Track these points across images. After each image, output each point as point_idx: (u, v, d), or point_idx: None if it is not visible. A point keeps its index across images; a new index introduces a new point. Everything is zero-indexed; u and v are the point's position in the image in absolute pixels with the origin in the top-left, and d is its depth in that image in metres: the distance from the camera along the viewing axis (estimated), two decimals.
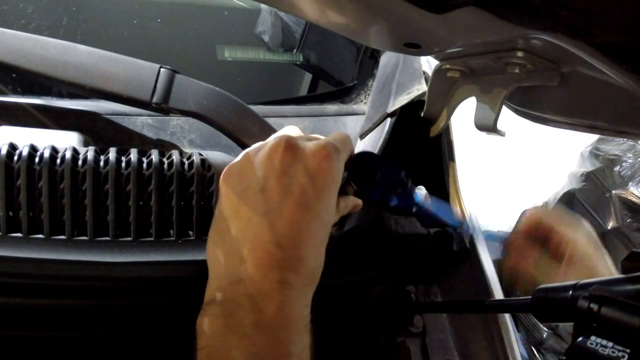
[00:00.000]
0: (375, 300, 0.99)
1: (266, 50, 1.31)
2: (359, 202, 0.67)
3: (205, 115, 0.75)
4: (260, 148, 0.56)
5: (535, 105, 0.74)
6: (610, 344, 0.52)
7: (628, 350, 0.50)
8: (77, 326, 0.74)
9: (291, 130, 0.65)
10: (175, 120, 0.86)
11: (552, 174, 3.52)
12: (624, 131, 0.65)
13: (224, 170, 0.57)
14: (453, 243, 0.89)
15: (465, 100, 0.80)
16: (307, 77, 1.34)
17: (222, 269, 0.54)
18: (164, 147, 0.83)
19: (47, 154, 0.64)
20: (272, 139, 0.56)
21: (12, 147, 0.65)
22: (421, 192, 0.98)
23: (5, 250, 0.62)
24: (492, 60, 0.64)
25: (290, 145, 0.54)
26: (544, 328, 2.47)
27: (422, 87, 0.88)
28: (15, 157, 0.64)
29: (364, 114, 1.00)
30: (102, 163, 0.66)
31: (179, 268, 0.67)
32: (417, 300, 1.04)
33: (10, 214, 0.64)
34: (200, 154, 0.71)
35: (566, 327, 2.35)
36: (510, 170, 4.31)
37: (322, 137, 0.62)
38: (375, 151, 0.83)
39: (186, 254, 0.68)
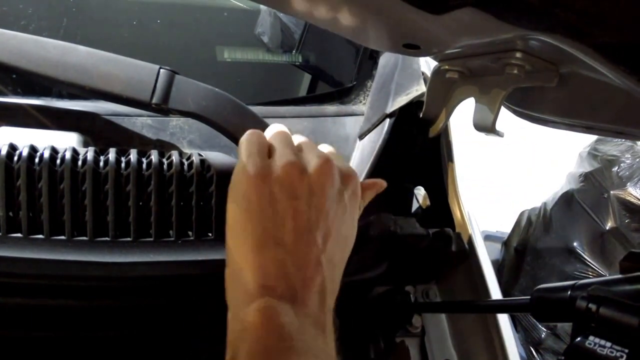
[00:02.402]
0: (374, 300, 0.99)
1: (265, 51, 1.31)
2: (381, 182, 0.67)
3: (205, 116, 0.75)
4: (297, 157, 0.54)
5: (534, 105, 0.74)
6: (608, 344, 0.52)
7: (626, 350, 0.51)
8: (77, 326, 0.74)
9: (279, 128, 0.62)
10: (175, 121, 0.86)
11: (550, 174, 3.52)
12: (622, 132, 0.65)
13: (252, 172, 0.52)
14: (452, 243, 0.89)
15: (464, 101, 0.80)
16: (307, 77, 1.34)
17: (272, 270, 0.51)
18: (164, 147, 0.83)
19: (47, 154, 0.64)
20: (318, 156, 0.55)
21: (12, 148, 0.65)
22: (420, 192, 0.99)
23: (5, 251, 0.62)
24: (490, 61, 0.64)
25: (336, 169, 0.55)
26: (543, 328, 2.47)
27: (421, 88, 0.88)
28: (15, 158, 0.64)
29: (363, 115, 1.00)
30: (101, 163, 0.67)
31: (179, 268, 0.67)
32: (416, 300, 1.04)
33: (10, 214, 0.64)
34: (200, 155, 0.71)
35: (565, 327, 2.36)
36: (508, 170, 4.31)
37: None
38: (374, 152, 0.84)
39: (186, 254, 0.68)
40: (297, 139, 0.59)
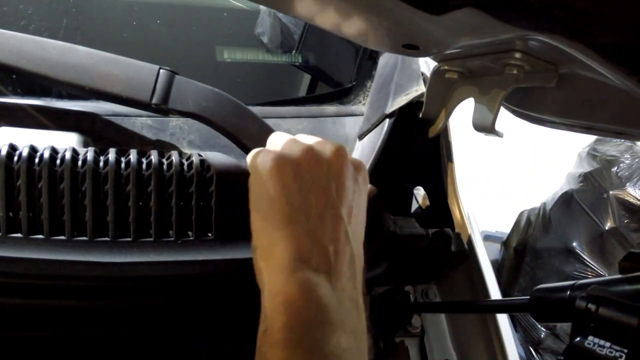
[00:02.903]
0: (374, 300, 0.99)
1: (265, 51, 1.31)
2: (372, 188, 0.70)
3: (205, 116, 0.75)
4: (314, 149, 0.57)
5: (533, 106, 0.74)
6: (608, 344, 0.52)
7: (626, 350, 0.51)
8: (77, 326, 0.74)
9: (282, 133, 0.66)
10: (175, 121, 0.86)
11: (549, 174, 3.52)
12: (622, 132, 0.65)
13: (273, 163, 0.55)
14: (451, 243, 0.90)
15: (464, 101, 0.80)
16: (306, 78, 1.34)
17: (306, 242, 0.52)
18: (164, 147, 0.83)
19: (47, 154, 0.64)
20: (332, 147, 0.58)
21: (12, 148, 0.65)
22: (419, 192, 0.99)
23: (5, 251, 0.62)
24: (490, 61, 0.64)
25: (347, 156, 0.59)
26: (542, 328, 2.47)
27: (420, 88, 0.88)
28: (15, 158, 0.64)
29: (363, 115, 1.00)
30: (101, 164, 0.67)
31: (179, 268, 0.67)
32: (415, 300, 1.04)
33: (10, 214, 0.64)
34: (200, 155, 0.71)
35: (564, 327, 2.36)
36: (508, 171, 4.31)
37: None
38: (374, 152, 0.84)
39: (185, 254, 0.68)
40: (304, 138, 0.62)
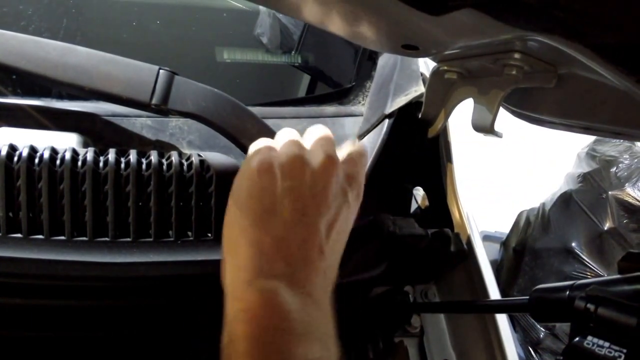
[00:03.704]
0: (373, 300, 0.99)
1: (265, 51, 1.31)
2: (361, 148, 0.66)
3: (204, 117, 0.75)
4: (302, 151, 0.56)
5: (532, 106, 0.74)
6: (607, 344, 0.52)
7: (625, 350, 0.51)
8: (77, 326, 0.74)
9: (288, 130, 0.64)
10: (175, 122, 0.86)
11: (549, 174, 3.53)
12: (621, 132, 0.65)
13: (259, 160, 0.54)
14: (451, 244, 0.90)
15: (463, 102, 0.81)
16: (306, 78, 1.34)
17: (271, 246, 0.51)
18: (163, 148, 0.83)
19: (46, 155, 0.65)
20: (321, 151, 0.56)
21: (12, 148, 0.65)
22: (419, 193, 0.99)
23: (5, 251, 0.63)
24: (489, 62, 0.65)
25: (338, 165, 0.56)
26: (541, 328, 2.47)
27: (419, 89, 0.88)
28: (15, 158, 0.64)
29: (362, 115, 1.00)
30: (101, 164, 0.67)
31: (178, 268, 0.67)
32: (414, 300, 1.04)
33: (10, 214, 0.64)
34: (199, 155, 0.71)
35: (563, 327, 2.36)
36: (507, 171, 4.31)
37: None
38: (373, 152, 0.84)
39: (185, 255, 0.68)
40: (312, 135, 0.59)
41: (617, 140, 2.45)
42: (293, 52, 1.30)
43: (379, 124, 0.89)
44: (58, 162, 0.65)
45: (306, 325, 0.48)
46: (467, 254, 0.98)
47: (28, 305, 0.69)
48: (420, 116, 0.88)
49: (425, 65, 1.00)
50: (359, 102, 1.06)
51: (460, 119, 0.93)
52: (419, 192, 1.01)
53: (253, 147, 0.58)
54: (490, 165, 4.28)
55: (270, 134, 0.78)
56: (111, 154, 0.67)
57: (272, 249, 0.50)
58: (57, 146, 0.67)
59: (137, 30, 1.25)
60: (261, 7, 1.33)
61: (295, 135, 0.59)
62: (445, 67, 0.75)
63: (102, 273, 0.65)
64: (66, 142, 0.73)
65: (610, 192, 2.38)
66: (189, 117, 0.76)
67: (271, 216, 0.52)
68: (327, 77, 1.32)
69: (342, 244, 0.57)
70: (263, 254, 0.50)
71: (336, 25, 0.59)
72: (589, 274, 2.37)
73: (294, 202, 0.52)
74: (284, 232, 0.51)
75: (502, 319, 0.95)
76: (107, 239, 0.66)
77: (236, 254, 0.52)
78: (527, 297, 0.68)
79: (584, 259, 2.40)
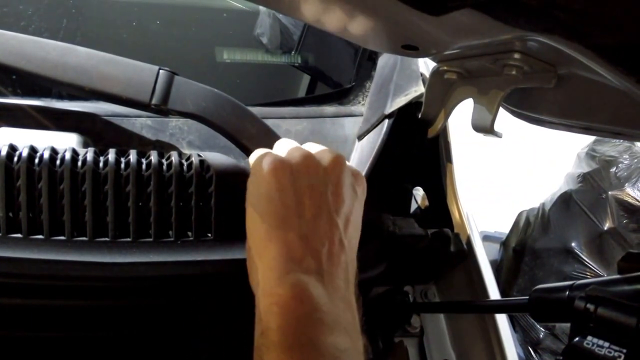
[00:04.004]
0: (373, 300, 0.99)
1: (265, 52, 1.31)
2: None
3: (204, 117, 0.75)
4: (311, 154, 0.59)
5: (532, 106, 0.74)
6: (606, 344, 0.52)
7: (624, 350, 0.51)
8: (77, 326, 0.74)
9: (286, 140, 0.68)
10: (174, 122, 0.86)
11: (548, 175, 3.53)
12: (620, 132, 0.65)
13: (274, 164, 0.56)
14: (450, 244, 0.90)
15: (463, 102, 0.81)
16: (306, 78, 1.34)
17: (296, 249, 0.53)
18: (163, 148, 0.83)
19: (46, 155, 0.65)
20: (329, 152, 0.60)
21: (12, 149, 0.65)
22: (419, 193, 0.99)
23: (5, 251, 0.63)
24: (489, 62, 0.65)
25: (345, 163, 0.60)
26: (541, 328, 2.47)
27: (419, 89, 0.88)
28: (15, 158, 0.64)
29: (362, 116, 1.00)
30: (101, 164, 0.67)
31: (178, 268, 0.67)
32: (414, 300, 1.04)
33: (10, 214, 0.64)
34: (199, 155, 0.71)
35: (563, 327, 2.36)
36: (507, 171, 4.31)
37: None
38: (373, 152, 0.84)
39: (185, 255, 0.68)
40: (309, 146, 0.63)
41: (617, 141, 2.45)
42: (293, 52, 1.30)
43: (378, 124, 0.89)
44: (58, 162, 0.65)
45: (335, 316, 0.50)
46: (467, 254, 0.98)
47: (28, 305, 0.69)
48: (420, 116, 0.88)
49: (425, 65, 1.00)
50: (359, 102, 1.06)
51: (460, 119, 0.93)
52: (418, 192, 1.01)
53: (255, 155, 0.60)
54: (490, 165, 4.28)
55: (271, 134, 0.78)
56: (111, 154, 0.67)
57: (298, 246, 0.52)
58: (57, 146, 0.67)
59: (137, 30, 1.25)
60: (261, 7, 1.33)
61: (296, 143, 0.62)
62: (445, 67, 0.75)
63: (102, 273, 0.65)
64: (66, 142, 0.73)
65: (610, 192, 2.38)
66: (188, 117, 0.76)
67: (293, 216, 0.54)
68: (327, 77, 1.32)
69: (357, 238, 0.60)
70: (290, 252, 0.52)
71: (336, 26, 0.59)
72: (588, 274, 2.37)
73: (313, 200, 0.55)
74: (307, 230, 0.53)
75: (502, 319, 0.95)
76: (107, 239, 0.66)
77: (264, 256, 0.53)
78: (527, 297, 0.68)
79: (583, 259, 2.40)
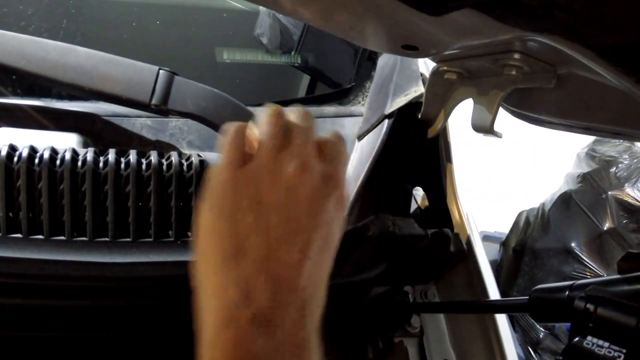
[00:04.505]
0: (373, 300, 0.99)
1: (264, 52, 1.31)
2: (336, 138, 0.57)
3: (204, 117, 0.75)
4: (276, 163, 0.49)
5: (532, 107, 0.74)
6: (606, 344, 0.52)
7: (624, 350, 0.51)
8: (77, 326, 0.74)
9: (271, 116, 0.56)
10: (174, 122, 0.86)
11: (548, 175, 3.53)
12: (620, 132, 0.65)
13: (223, 177, 0.49)
14: (450, 244, 0.90)
15: (463, 102, 0.81)
16: (305, 78, 1.34)
17: (236, 298, 0.46)
18: (163, 148, 0.83)
19: (46, 155, 0.65)
20: (298, 158, 0.49)
21: (12, 149, 0.65)
22: (418, 193, 0.99)
23: (5, 251, 0.63)
24: (489, 62, 0.65)
25: (316, 174, 0.49)
26: (541, 328, 2.47)
27: (419, 89, 0.89)
28: (15, 159, 0.64)
29: (362, 116, 1.00)
30: (101, 164, 0.67)
31: (178, 268, 0.67)
32: (414, 300, 1.04)
33: (10, 214, 0.64)
34: (199, 155, 0.71)
35: (563, 327, 2.36)
36: (506, 171, 4.31)
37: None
38: (373, 152, 0.84)
39: (185, 255, 0.68)
40: (296, 130, 0.53)
41: (617, 141, 2.45)
42: (293, 52, 1.30)
43: (378, 124, 0.89)
44: (58, 162, 0.65)
45: None
46: (467, 254, 0.98)
47: (28, 305, 0.69)
48: (420, 116, 0.88)
49: (425, 65, 1.00)
50: (359, 103, 1.06)
51: (460, 119, 0.93)
52: (418, 192, 1.01)
53: (226, 142, 0.51)
54: (490, 165, 4.28)
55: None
56: (111, 154, 0.68)
57: (238, 293, 0.45)
58: (57, 146, 0.67)
59: (137, 30, 1.25)
60: (261, 8, 1.33)
61: (275, 127, 0.52)
62: (445, 68, 0.75)
63: (102, 273, 0.65)
64: (66, 142, 0.73)
65: (609, 192, 2.38)
66: (188, 118, 0.76)
67: (237, 252, 0.46)
68: (327, 77, 1.32)
69: (325, 264, 0.50)
70: (229, 299, 0.45)
71: (335, 26, 0.59)
72: (588, 274, 2.37)
73: (266, 231, 0.46)
74: (253, 269, 0.45)
75: (501, 319, 0.95)
76: (107, 239, 0.66)
77: (204, 299, 0.48)
78: (527, 297, 0.68)
79: (583, 259, 2.40)
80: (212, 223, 0.48)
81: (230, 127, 0.52)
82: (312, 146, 0.52)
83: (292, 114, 0.56)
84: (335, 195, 0.50)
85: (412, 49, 0.60)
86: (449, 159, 1.02)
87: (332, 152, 0.53)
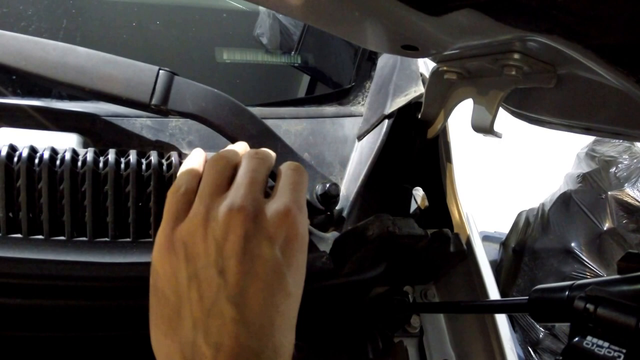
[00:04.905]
0: (373, 300, 0.99)
1: (264, 52, 1.31)
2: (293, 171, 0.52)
3: (204, 117, 0.75)
4: (207, 217, 0.45)
5: (532, 107, 0.74)
6: (606, 344, 0.52)
7: (624, 351, 0.51)
8: (77, 326, 0.74)
9: (240, 147, 0.55)
10: (174, 122, 0.86)
11: (548, 175, 3.53)
12: (620, 132, 0.65)
13: (159, 244, 0.46)
14: (450, 244, 0.90)
15: (463, 102, 0.81)
16: (305, 79, 1.34)
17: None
18: (163, 148, 0.83)
19: (46, 155, 0.65)
20: (225, 207, 0.44)
21: (12, 149, 0.65)
22: (418, 193, 0.99)
23: (5, 251, 0.63)
24: (488, 62, 0.65)
25: (250, 216, 0.44)
26: (541, 328, 2.47)
27: (419, 89, 0.89)
28: (15, 159, 0.64)
29: (362, 116, 1.00)
30: (101, 164, 0.67)
31: None
32: (414, 300, 1.04)
33: (10, 215, 0.64)
34: None
35: (562, 327, 2.36)
36: (507, 171, 4.31)
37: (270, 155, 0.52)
38: (373, 153, 0.84)
39: None
40: (239, 171, 0.49)
41: (617, 141, 2.46)
42: (293, 52, 1.30)
43: (378, 124, 0.89)
44: (58, 162, 0.65)
45: None
46: (467, 254, 0.98)
47: (28, 305, 0.69)
48: (419, 116, 0.88)
49: (425, 65, 1.00)
50: (359, 103, 1.06)
51: (460, 119, 0.93)
52: (418, 192, 1.01)
53: (167, 197, 0.48)
54: (490, 165, 4.28)
55: (270, 134, 0.78)
56: (111, 155, 0.68)
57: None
58: (57, 146, 0.67)
59: (137, 30, 1.25)
60: (261, 8, 1.33)
61: (214, 174, 0.48)
62: (445, 68, 0.75)
63: (102, 273, 0.65)
64: (66, 142, 0.73)
65: (609, 193, 2.38)
66: (188, 118, 0.76)
67: (177, 318, 0.44)
68: (327, 77, 1.32)
69: (285, 311, 0.45)
70: None
71: (335, 26, 0.59)
72: (588, 274, 2.37)
73: (200, 292, 0.43)
74: (195, 334, 0.43)
75: (501, 319, 0.95)
76: (107, 239, 0.66)
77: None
78: (527, 297, 0.68)
79: (583, 259, 2.40)
80: (154, 286, 0.46)
81: (173, 187, 0.49)
82: (257, 185, 0.47)
83: (240, 154, 0.52)
84: (283, 236, 0.46)
85: (412, 49, 0.60)
86: (448, 159, 1.02)
87: (283, 184, 0.49)
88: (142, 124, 0.84)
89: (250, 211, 0.44)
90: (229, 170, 0.49)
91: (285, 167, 0.51)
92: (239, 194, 0.45)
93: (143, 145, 0.83)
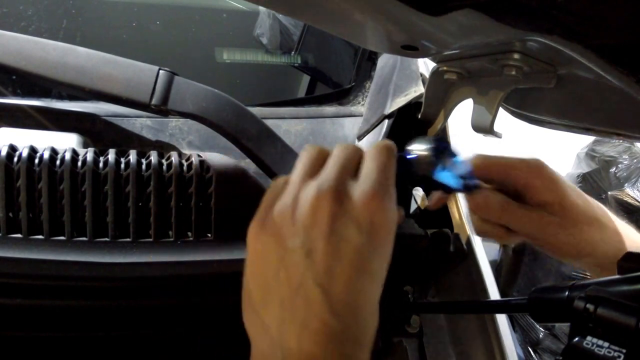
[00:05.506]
0: None
1: (264, 52, 1.31)
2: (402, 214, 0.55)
3: (204, 117, 0.75)
4: (296, 199, 0.46)
5: (532, 107, 0.74)
6: (606, 344, 0.52)
7: (624, 351, 0.51)
8: (77, 326, 0.74)
9: (309, 152, 0.53)
10: (174, 122, 0.86)
11: None
12: (620, 133, 0.65)
13: (254, 225, 0.47)
14: (450, 244, 0.90)
15: (463, 102, 0.81)
16: (305, 79, 1.34)
17: (269, 347, 0.45)
18: (163, 148, 0.83)
19: (46, 155, 0.65)
20: (313, 189, 0.45)
21: (12, 149, 0.65)
22: (418, 193, 0.99)
23: (5, 251, 0.63)
24: (488, 62, 0.65)
25: (337, 197, 0.45)
26: (541, 328, 2.47)
27: (419, 89, 0.89)
28: (15, 159, 0.64)
29: (362, 116, 1.00)
30: (101, 164, 0.67)
31: (178, 268, 0.67)
32: (414, 300, 1.04)
33: (10, 215, 0.64)
34: (199, 155, 0.71)
35: (562, 327, 2.36)
36: None
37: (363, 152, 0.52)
38: None
39: (185, 255, 0.68)
40: (330, 160, 0.49)
41: (617, 141, 2.45)
42: (293, 52, 1.30)
43: (378, 124, 0.89)
44: (58, 162, 0.65)
45: None
46: (467, 254, 0.98)
47: (28, 305, 0.69)
48: (419, 116, 0.88)
49: (425, 65, 1.00)
50: (359, 103, 1.06)
51: (460, 119, 0.93)
52: (418, 193, 1.01)
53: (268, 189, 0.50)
54: None
55: (271, 134, 0.78)
56: (111, 155, 0.68)
57: (270, 342, 0.44)
58: (57, 146, 0.67)
59: (137, 30, 1.25)
60: (261, 8, 1.33)
61: (307, 164, 0.49)
62: (445, 68, 0.75)
63: (102, 273, 0.65)
64: (66, 142, 0.73)
65: (609, 193, 2.38)
66: (188, 118, 0.76)
67: (263, 300, 0.46)
68: (327, 77, 1.32)
69: (370, 290, 0.48)
70: (263, 350, 0.45)
71: (335, 26, 0.59)
72: (588, 274, 2.37)
73: (288, 273, 0.44)
74: (283, 312, 0.44)
75: (501, 319, 0.95)
76: (107, 239, 0.66)
77: (250, 335, 0.47)
78: (527, 297, 0.68)
79: None
80: (247, 264, 0.48)
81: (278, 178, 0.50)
82: (345, 169, 0.48)
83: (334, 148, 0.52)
84: (367, 220, 0.45)
85: (412, 49, 0.60)
86: None
87: (369, 166, 0.49)
88: (142, 124, 0.84)
89: (336, 193, 0.45)
90: (320, 160, 0.49)
91: (373, 147, 0.51)
92: (327, 177, 0.46)
93: (143, 145, 0.83)
